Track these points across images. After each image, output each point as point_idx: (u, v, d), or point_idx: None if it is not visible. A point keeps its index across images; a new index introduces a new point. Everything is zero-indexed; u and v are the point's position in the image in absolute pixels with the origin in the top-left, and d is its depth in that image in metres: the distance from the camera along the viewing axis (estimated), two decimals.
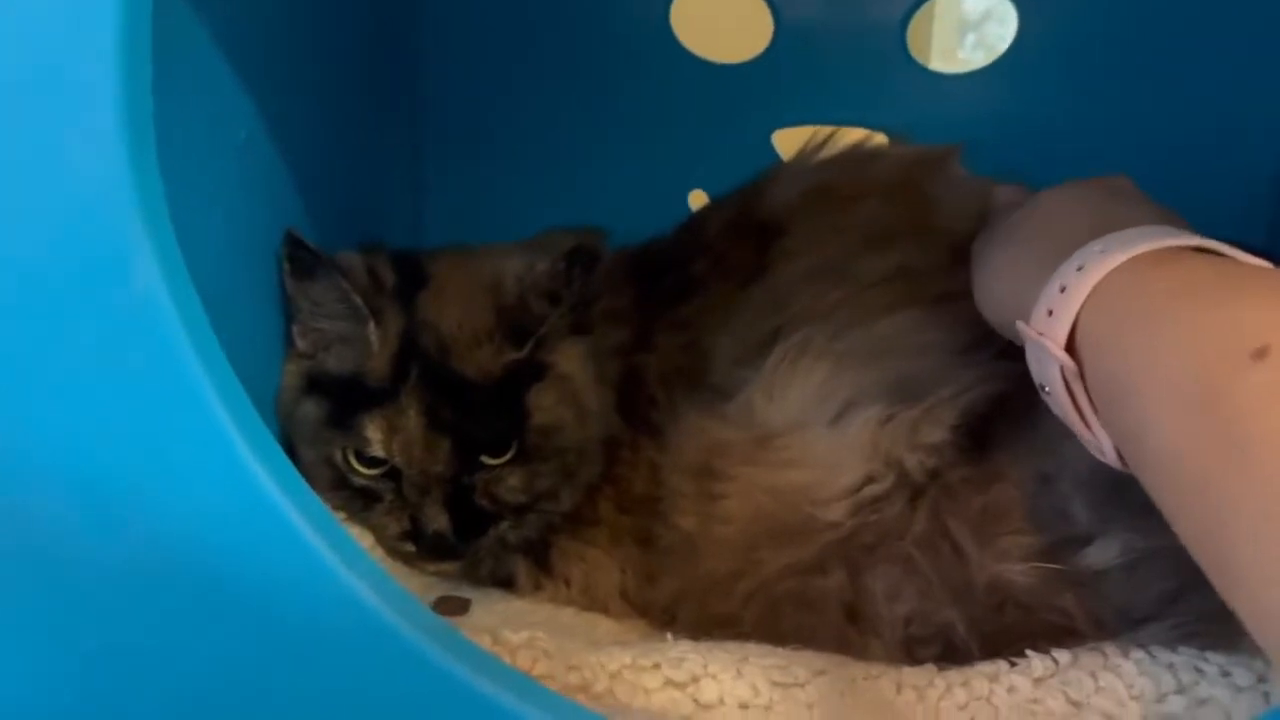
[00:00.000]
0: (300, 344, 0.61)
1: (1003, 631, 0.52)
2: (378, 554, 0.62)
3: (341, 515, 0.62)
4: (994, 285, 0.51)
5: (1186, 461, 0.36)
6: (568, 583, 0.63)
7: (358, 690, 0.40)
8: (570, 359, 0.62)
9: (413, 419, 0.58)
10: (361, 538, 0.62)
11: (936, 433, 0.54)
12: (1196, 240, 0.42)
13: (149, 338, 0.34)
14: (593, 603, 0.62)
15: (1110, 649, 0.49)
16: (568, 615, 0.61)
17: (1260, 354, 0.34)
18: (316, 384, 0.61)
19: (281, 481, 0.38)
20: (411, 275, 0.63)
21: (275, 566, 0.38)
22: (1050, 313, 0.43)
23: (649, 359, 0.64)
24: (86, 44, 0.32)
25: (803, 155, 0.69)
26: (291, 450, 0.62)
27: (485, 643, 0.46)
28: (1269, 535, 0.32)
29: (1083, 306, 0.42)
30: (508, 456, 0.60)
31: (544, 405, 0.61)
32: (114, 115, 0.32)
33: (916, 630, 0.53)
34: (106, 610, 0.40)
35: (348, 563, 0.38)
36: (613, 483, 0.63)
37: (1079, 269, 0.42)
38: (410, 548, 0.61)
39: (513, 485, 0.60)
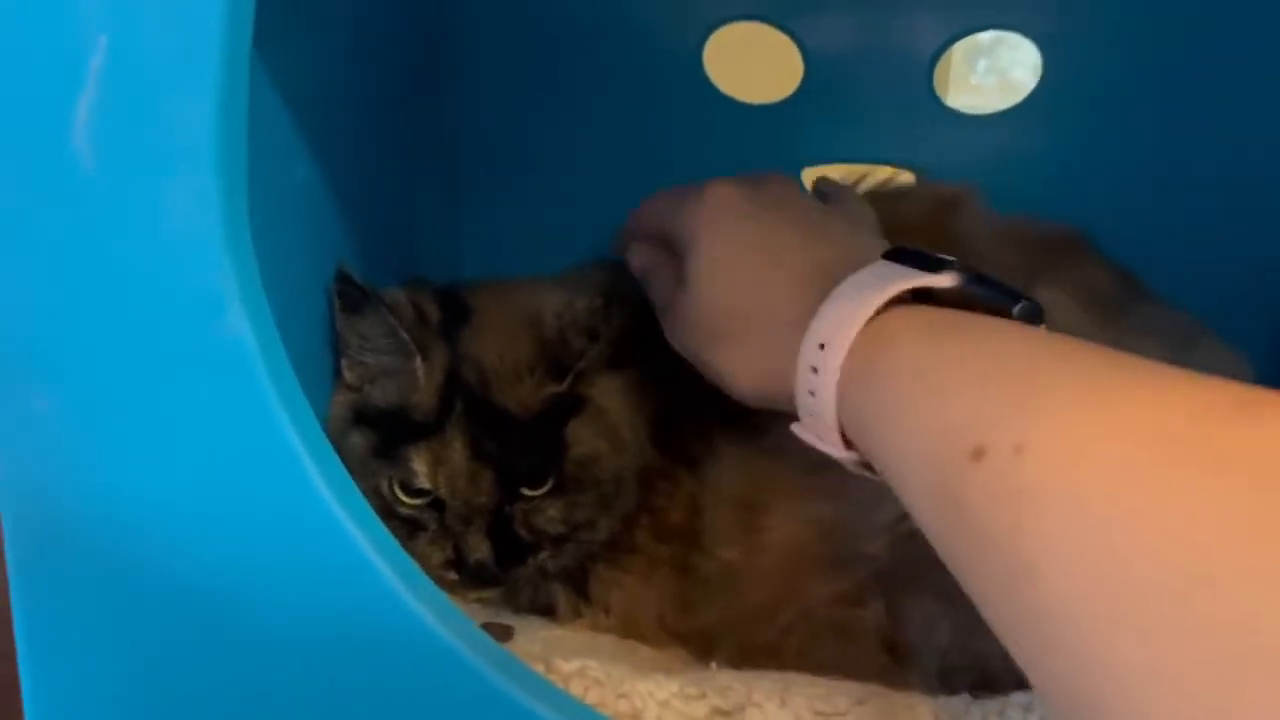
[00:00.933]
0: (348, 376, 0.63)
1: None
2: None
3: None
4: (735, 379, 0.51)
5: (946, 546, 0.37)
6: (606, 610, 0.64)
7: (420, 712, 0.41)
8: (607, 392, 0.63)
9: (458, 452, 0.59)
10: None
11: None
12: (884, 291, 0.42)
13: (237, 379, 0.36)
14: (632, 630, 0.63)
15: None
16: (608, 642, 0.62)
17: (977, 454, 0.34)
18: (363, 416, 0.62)
19: (353, 512, 0.39)
20: (454, 310, 0.65)
21: (346, 592, 0.40)
22: (811, 416, 0.44)
23: (682, 391, 0.64)
24: (190, 106, 0.34)
25: None
26: None
27: (539, 671, 0.47)
28: (1018, 630, 0.32)
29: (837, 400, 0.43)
30: (546, 488, 0.61)
31: (582, 438, 0.62)
32: (212, 171, 0.34)
33: (953, 659, 0.54)
34: (181, 629, 0.41)
35: (415, 591, 0.39)
36: (649, 512, 0.64)
37: (814, 370, 0.43)
38: (453, 576, 0.62)
39: (551, 516, 0.61)
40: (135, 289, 0.36)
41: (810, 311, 0.45)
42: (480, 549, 0.60)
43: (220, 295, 0.36)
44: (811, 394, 0.43)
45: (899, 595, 0.55)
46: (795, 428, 0.46)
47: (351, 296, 0.61)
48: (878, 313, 0.42)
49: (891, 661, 0.55)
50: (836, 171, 0.74)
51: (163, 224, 0.35)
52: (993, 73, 1.31)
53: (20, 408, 0.37)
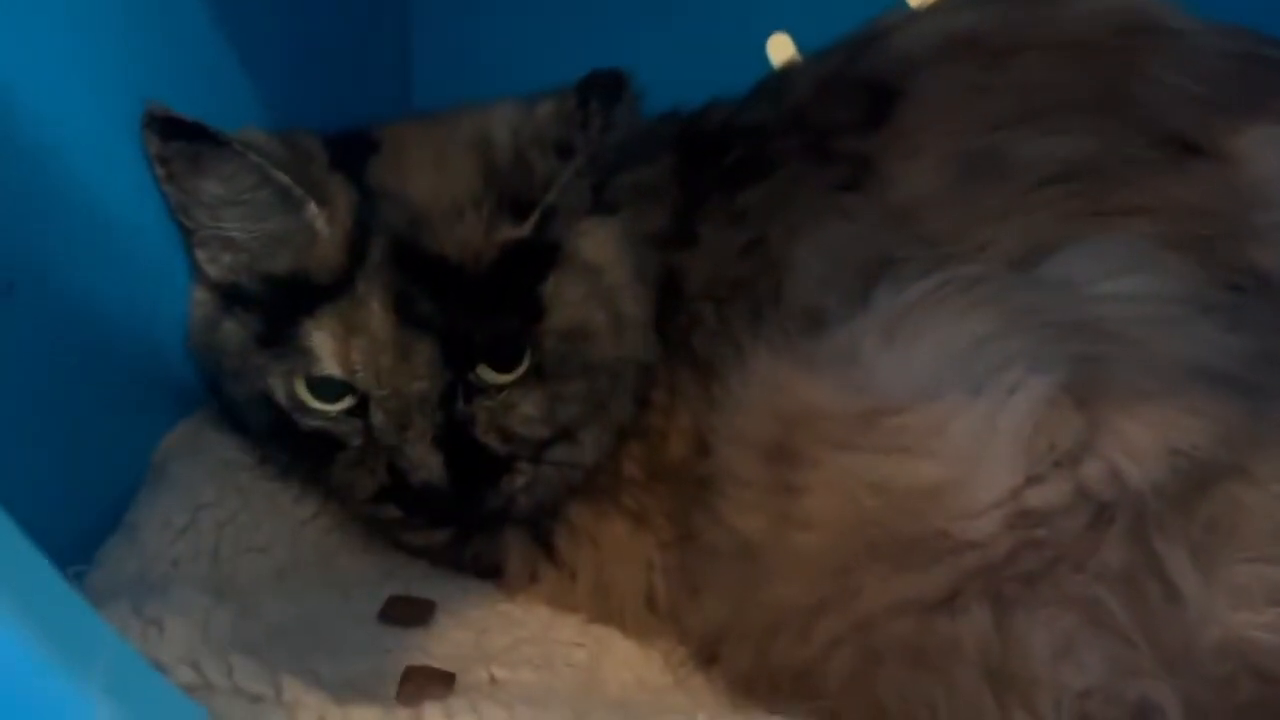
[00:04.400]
0: (210, 270, 0.47)
1: (1234, 717, 0.37)
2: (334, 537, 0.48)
3: (293, 477, 0.49)
4: None
5: None
6: (574, 575, 0.48)
7: None
8: (597, 243, 0.48)
9: (377, 314, 0.44)
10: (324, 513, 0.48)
11: (1137, 430, 0.39)
12: None
13: None
14: (606, 608, 0.48)
15: None
16: (569, 629, 0.46)
17: None
18: (239, 297, 0.46)
19: None
20: (351, 146, 0.49)
21: None
22: None
23: (690, 259, 0.50)
24: None
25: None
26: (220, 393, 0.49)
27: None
28: None
29: None
30: (519, 372, 0.46)
31: (567, 299, 0.47)
32: None
33: (1097, 709, 0.37)
34: None
35: None
36: (640, 436, 0.48)
37: None
38: (394, 511, 0.46)
39: (527, 413, 0.46)
40: None
41: None
42: (427, 463, 0.44)
43: None
44: None
45: (1016, 604, 0.39)
46: None
47: (184, 148, 0.44)
48: None
49: (996, 704, 0.39)
50: None
51: None
52: None
53: None
